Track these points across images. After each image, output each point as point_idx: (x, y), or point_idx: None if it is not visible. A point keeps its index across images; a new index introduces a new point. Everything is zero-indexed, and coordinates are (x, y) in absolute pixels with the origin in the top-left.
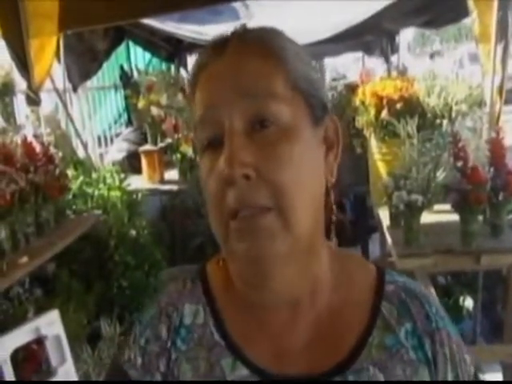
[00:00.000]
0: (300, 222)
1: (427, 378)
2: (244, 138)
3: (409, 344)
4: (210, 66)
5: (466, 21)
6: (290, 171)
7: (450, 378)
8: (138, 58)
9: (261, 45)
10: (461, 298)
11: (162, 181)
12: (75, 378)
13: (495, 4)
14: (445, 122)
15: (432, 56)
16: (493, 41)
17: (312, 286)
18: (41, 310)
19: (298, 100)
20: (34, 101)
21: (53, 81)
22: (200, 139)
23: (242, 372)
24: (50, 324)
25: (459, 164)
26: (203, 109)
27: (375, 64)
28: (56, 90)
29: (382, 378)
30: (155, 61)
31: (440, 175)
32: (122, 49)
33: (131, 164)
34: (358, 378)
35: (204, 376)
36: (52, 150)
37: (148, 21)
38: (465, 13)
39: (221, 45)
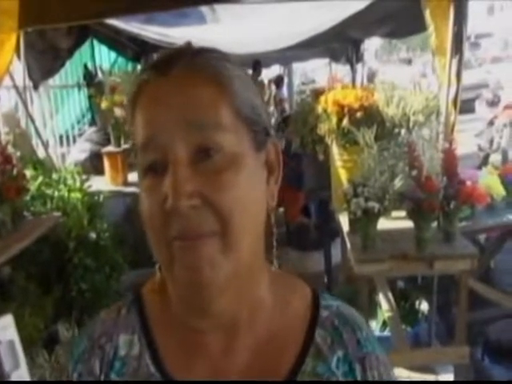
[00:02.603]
0: (240, 247)
1: None
2: (188, 168)
3: (340, 371)
4: (153, 86)
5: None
6: (235, 197)
7: None
8: (103, 56)
9: (208, 71)
10: (417, 302)
11: (126, 183)
12: None
13: (451, 19)
14: (403, 131)
15: (408, 62)
16: (448, 54)
17: (251, 309)
18: None
19: (241, 127)
20: None
21: (12, 78)
22: (141, 162)
23: None
24: (4, 329)
25: (414, 173)
26: (146, 134)
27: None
28: (16, 87)
29: None
30: (121, 60)
31: (396, 184)
32: (86, 47)
33: (94, 165)
34: None
35: None
36: (10, 149)
37: (113, 21)
38: (425, 25)
39: (165, 64)
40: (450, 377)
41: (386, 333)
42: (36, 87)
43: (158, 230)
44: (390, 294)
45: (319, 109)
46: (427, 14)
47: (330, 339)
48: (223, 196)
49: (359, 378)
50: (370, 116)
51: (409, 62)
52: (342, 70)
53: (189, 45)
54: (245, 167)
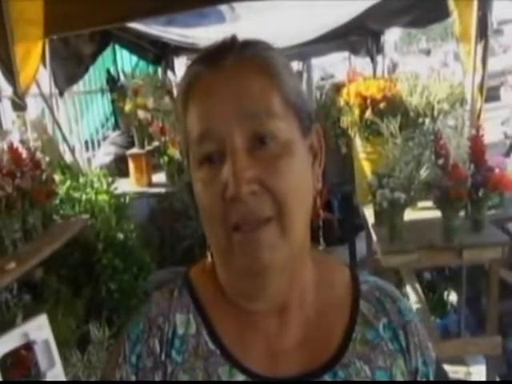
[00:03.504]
0: (296, 230)
1: (403, 366)
2: (246, 156)
3: (386, 336)
4: (206, 79)
5: (451, 20)
6: (290, 181)
7: (419, 363)
8: (125, 61)
9: (258, 63)
10: (445, 293)
11: (150, 184)
12: None
13: (475, 4)
14: (427, 120)
15: (428, 52)
16: (473, 40)
17: (300, 289)
18: (29, 315)
19: (290, 114)
20: (19, 106)
21: (39, 86)
22: (196, 154)
23: (239, 378)
24: (39, 329)
25: (440, 161)
26: (202, 125)
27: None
28: (42, 94)
29: (367, 370)
30: (142, 64)
31: (422, 173)
32: (108, 52)
33: (119, 167)
34: (346, 372)
35: None
36: (38, 155)
37: (134, 24)
38: (448, 12)
39: (216, 56)
40: (482, 368)
41: None
42: (61, 94)
43: (218, 219)
44: (417, 286)
45: (341, 101)
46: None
47: (373, 309)
48: (279, 181)
49: (403, 344)
50: (394, 106)
51: (428, 52)
52: (361, 64)
53: (234, 38)
54: (296, 153)
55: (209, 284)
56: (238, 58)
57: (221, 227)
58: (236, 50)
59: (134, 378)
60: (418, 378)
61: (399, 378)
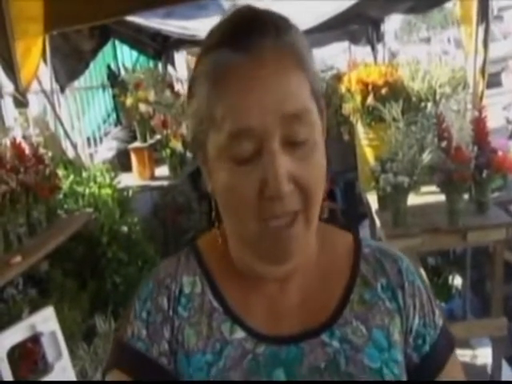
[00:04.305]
0: (316, 215)
1: (399, 325)
2: (283, 156)
3: (385, 296)
4: (241, 65)
5: (451, 6)
6: (317, 176)
7: (417, 323)
8: (125, 56)
9: (295, 54)
10: (450, 278)
11: (153, 177)
12: (72, 373)
13: None
14: (429, 104)
15: (428, 40)
16: (474, 22)
17: (306, 256)
18: (36, 310)
19: (315, 103)
20: (21, 103)
21: (40, 82)
22: (227, 147)
23: (240, 335)
24: (46, 321)
25: (443, 144)
26: (240, 121)
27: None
28: (43, 91)
29: (363, 329)
30: (142, 59)
31: (426, 157)
32: (108, 48)
33: (121, 162)
34: (342, 331)
35: (207, 339)
36: (41, 150)
37: (133, 18)
38: None
39: (247, 39)
40: (487, 351)
41: None
42: (62, 90)
43: (251, 212)
44: (422, 271)
45: (342, 89)
46: None
47: (372, 270)
48: (311, 177)
49: (401, 303)
50: (395, 91)
51: (428, 41)
52: (361, 55)
53: (254, 12)
54: (320, 143)
55: (215, 252)
56: (275, 47)
57: (253, 220)
58: (270, 34)
59: (144, 332)
60: (410, 339)
61: (396, 337)
